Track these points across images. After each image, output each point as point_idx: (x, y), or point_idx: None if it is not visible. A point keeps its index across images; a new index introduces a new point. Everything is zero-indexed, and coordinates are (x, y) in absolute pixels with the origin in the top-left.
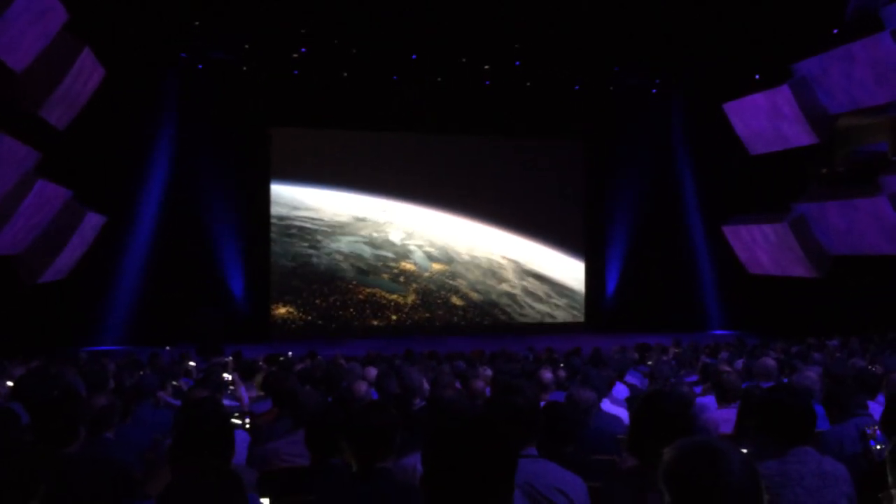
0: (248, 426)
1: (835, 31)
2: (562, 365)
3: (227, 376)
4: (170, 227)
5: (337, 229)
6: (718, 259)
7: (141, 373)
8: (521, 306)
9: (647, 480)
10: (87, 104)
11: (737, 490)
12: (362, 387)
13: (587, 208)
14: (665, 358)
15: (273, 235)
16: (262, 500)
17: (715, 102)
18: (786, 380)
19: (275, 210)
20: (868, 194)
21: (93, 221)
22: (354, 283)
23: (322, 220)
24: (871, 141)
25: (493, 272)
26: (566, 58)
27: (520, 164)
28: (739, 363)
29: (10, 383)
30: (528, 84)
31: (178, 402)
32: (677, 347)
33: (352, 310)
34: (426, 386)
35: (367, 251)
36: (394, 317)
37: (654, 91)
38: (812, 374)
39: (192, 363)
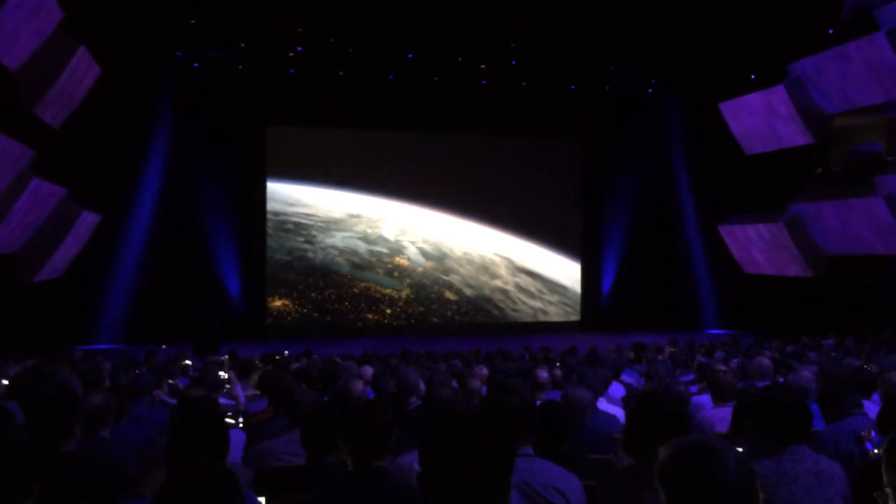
0: (241, 425)
1: (830, 31)
2: (558, 364)
3: (223, 375)
4: (165, 226)
5: (332, 225)
6: (714, 258)
7: (137, 371)
8: (514, 302)
9: (642, 479)
10: (82, 103)
11: (732, 488)
12: (358, 386)
13: (583, 208)
14: (661, 357)
15: (269, 230)
16: (258, 499)
17: (711, 102)
18: (781, 379)
19: (270, 206)
20: (863, 194)
21: (88, 220)
22: (349, 277)
23: (317, 216)
24: (867, 141)
25: (485, 268)
26: (562, 57)
27: (516, 164)
28: (735, 362)
29: (5, 382)
30: (525, 84)
31: (174, 401)
32: (673, 347)
33: (347, 303)
34: (422, 385)
35: (361, 246)
36: (388, 310)
37: (650, 91)
38: (807, 374)
39: (188, 362)
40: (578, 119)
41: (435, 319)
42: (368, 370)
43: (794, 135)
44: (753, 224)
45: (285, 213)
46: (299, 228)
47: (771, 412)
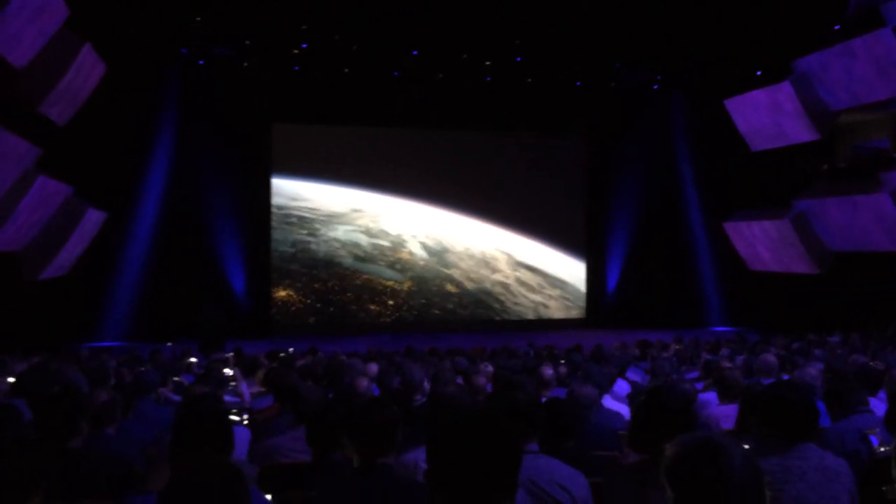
0: (246, 422)
1: (836, 27)
2: (563, 361)
3: (228, 372)
4: (170, 224)
5: (334, 219)
6: (719, 255)
7: (142, 369)
8: (514, 295)
9: (648, 476)
10: (87, 100)
11: (738, 485)
12: (363, 383)
13: (588, 204)
14: (666, 354)
15: (273, 223)
16: (265, 496)
17: (716, 99)
18: (786, 376)
19: (274, 200)
20: (869, 191)
21: (94, 218)
22: (351, 269)
23: (320, 209)
24: (873, 137)
25: (486, 262)
26: (567, 54)
27: (520, 161)
28: (740, 359)
29: (11, 379)
30: (530, 80)
31: (179, 398)
32: (678, 344)
33: (349, 294)
34: (427, 382)
35: (363, 240)
36: (390, 302)
37: (655, 87)
38: (813, 371)
39: (193, 359)
40: (583, 116)
41: (436, 311)
42: (373, 367)
43: (800, 131)
44: (759, 221)
45: (288, 207)
46: (302, 222)
47: (777, 409)
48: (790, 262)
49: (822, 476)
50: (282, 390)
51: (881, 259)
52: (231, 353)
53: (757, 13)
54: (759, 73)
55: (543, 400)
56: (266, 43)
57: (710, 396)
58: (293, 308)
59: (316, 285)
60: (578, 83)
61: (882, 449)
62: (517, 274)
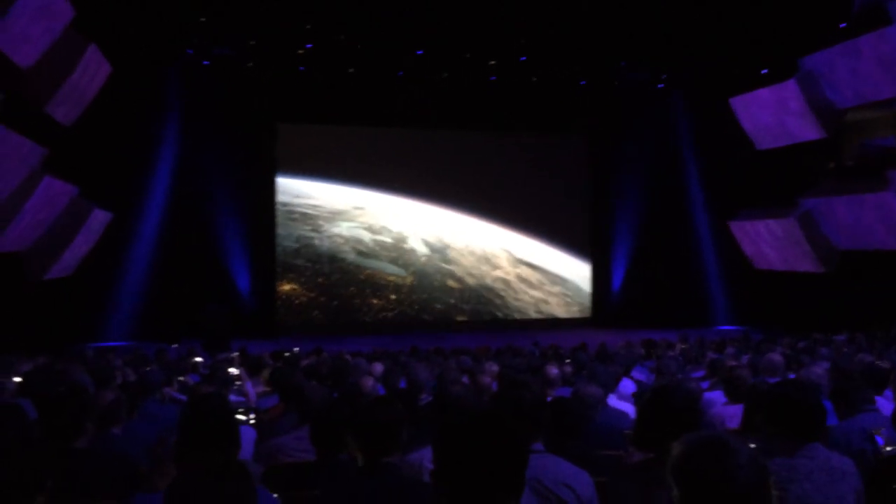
0: (252, 422)
1: (842, 25)
2: (568, 360)
3: (233, 371)
4: (175, 223)
5: (337, 216)
6: (724, 254)
7: (147, 368)
8: (515, 291)
9: (653, 475)
10: (93, 101)
11: (744, 484)
12: (368, 382)
13: (592, 204)
14: (671, 353)
15: (277, 219)
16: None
17: (721, 97)
18: (792, 375)
19: (278, 198)
20: (876, 189)
21: (99, 218)
22: (355, 264)
23: (323, 206)
24: (879, 135)
25: (487, 259)
26: (571, 53)
27: (524, 161)
28: (745, 359)
29: (17, 379)
30: (534, 80)
31: (184, 398)
32: (684, 343)
33: (352, 288)
34: (432, 382)
35: (366, 236)
36: (393, 296)
37: (659, 86)
38: (818, 370)
39: (198, 359)
40: (587, 115)
41: (438, 306)
42: (378, 367)
43: (806, 129)
44: (764, 220)
45: (292, 204)
46: (306, 218)
47: (783, 409)
48: (796, 261)
49: (828, 476)
50: (287, 390)
51: (888, 258)
52: (236, 353)
53: (762, 11)
54: (764, 71)
55: (549, 399)
56: (270, 43)
57: (716, 395)
58: (297, 301)
59: (320, 279)
60: (582, 82)
61: (888, 448)
62: (517, 271)
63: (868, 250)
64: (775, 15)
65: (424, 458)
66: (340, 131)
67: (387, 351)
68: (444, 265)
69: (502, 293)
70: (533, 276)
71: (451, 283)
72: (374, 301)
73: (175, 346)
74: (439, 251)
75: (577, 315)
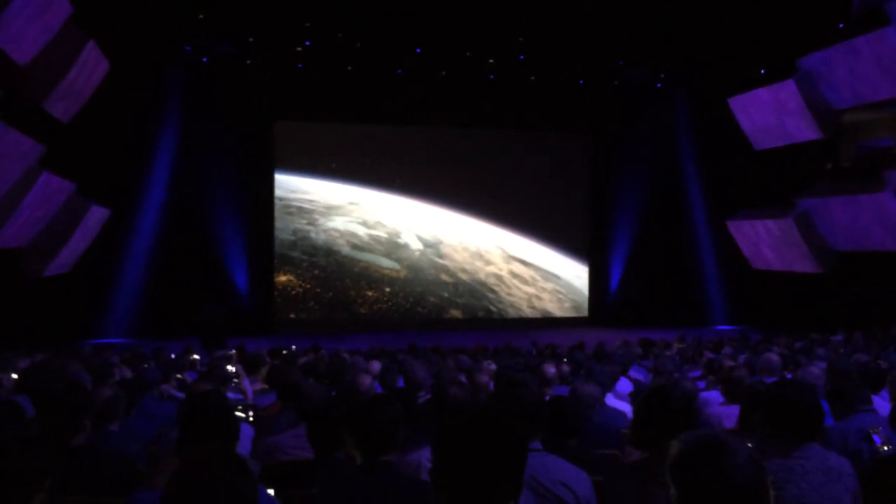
0: (251, 419)
1: (840, 25)
2: (565, 360)
3: (231, 369)
4: (173, 221)
5: (333, 210)
6: (722, 254)
7: (145, 366)
8: (507, 286)
9: (650, 474)
10: (91, 97)
11: (742, 483)
12: (366, 380)
13: (591, 203)
14: (669, 353)
15: (274, 212)
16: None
17: (720, 97)
18: (789, 375)
19: (275, 192)
20: (873, 190)
21: (97, 215)
22: (350, 256)
23: (319, 201)
24: (877, 136)
25: (480, 255)
26: (570, 52)
27: (523, 159)
28: (742, 358)
29: (14, 376)
30: (533, 78)
31: (182, 395)
32: (681, 343)
33: (347, 280)
34: (430, 380)
35: (361, 230)
36: (387, 289)
37: (658, 85)
38: (815, 370)
39: (196, 356)
40: (587, 114)
41: (432, 299)
42: (376, 365)
43: (804, 130)
44: (762, 220)
45: (288, 199)
46: (302, 212)
47: (780, 409)
48: (793, 261)
49: (824, 476)
50: (284, 388)
51: (884, 258)
52: (234, 351)
53: (761, 11)
54: (763, 71)
55: (546, 398)
56: (269, 41)
57: (713, 395)
58: (293, 293)
59: (315, 271)
60: (581, 81)
61: (885, 448)
62: (511, 267)
63: (865, 251)
64: (774, 15)
65: (423, 457)
66: (339, 129)
67: (384, 349)
68: (437, 260)
69: (495, 288)
70: (526, 272)
71: (444, 276)
72: (369, 293)
73: (172, 355)
74: (433, 246)
75: (574, 314)
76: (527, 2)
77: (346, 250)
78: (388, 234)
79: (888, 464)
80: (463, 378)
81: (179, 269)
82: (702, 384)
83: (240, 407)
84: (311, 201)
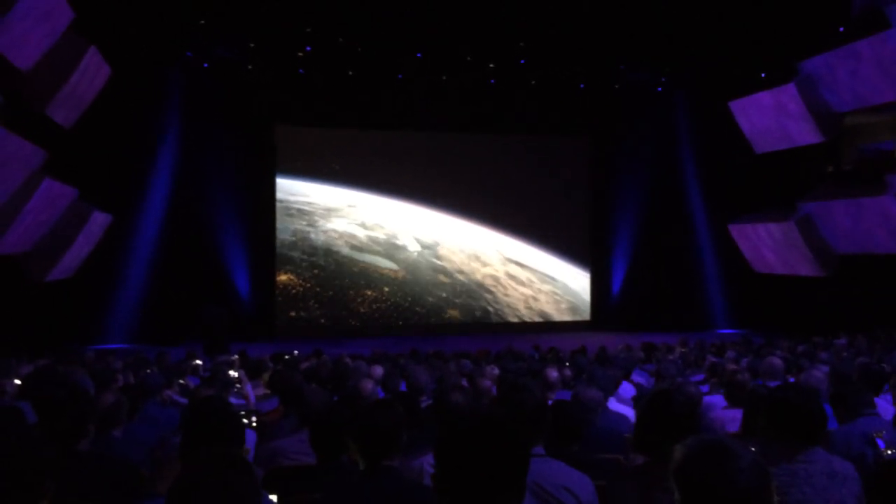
0: (254, 424)
1: (841, 28)
2: (567, 364)
3: (233, 374)
4: (175, 226)
5: (332, 213)
6: (724, 258)
7: (148, 371)
8: (504, 287)
9: (653, 479)
10: (93, 103)
11: (746, 488)
12: (368, 385)
13: (592, 206)
14: (671, 357)
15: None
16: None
17: (720, 101)
18: (792, 379)
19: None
20: (875, 193)
21: (99, 220)
22: (349, 257)
23: (318, 204)
24: (878, 139)
25: (477, 257)
26: (571, 56)
27: (524, 163)
28: (745, 362)
29: (17, 382)
30: (533, 82)
31: (184, 401)
32: (684, 346)
33: (347, 279)
34: (432, 385)
35: (360, 231)
36: (386, 288)
37: (659, 89)
38: (818, 374)
39: (198, 361)
40: (587, 117)
41: (430, 299)
42: (378, 370)
43: (805, 133)
44: (764, 223)
45: (288, 201)
46: (301, 214)
47: (783, 413)
48: (795, 264)
49: (828, 480)
50: (287, 393)
51: (887, 261)
52: (236, 356)
53: (761, 14)
54: (763, 74)
55: (549, 403)
56: (270, 45)
57: (716, 399)
58: (293, 291)
59: (315, 271)
60: (582, 85)
61: (889, 452)
62: (507, 269)
63: (867, 254)
64: (775, 18)
65: (425, 463)
66: (340, 133)
67: (386, 354)
68: (435, 261)
69: (492, 288)
70: (523, 274)
71: (441, 277)
72: (368, 292)
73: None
74: (430, 248)
75: (576, 317)
76: (527, 5)
77: (345, 251)
78: (386, 235)
79: (892, 467)
80: (465, 382)
81: (181, 273)
82: (705, 388)
83: (242, 412)
84: (310, 203)
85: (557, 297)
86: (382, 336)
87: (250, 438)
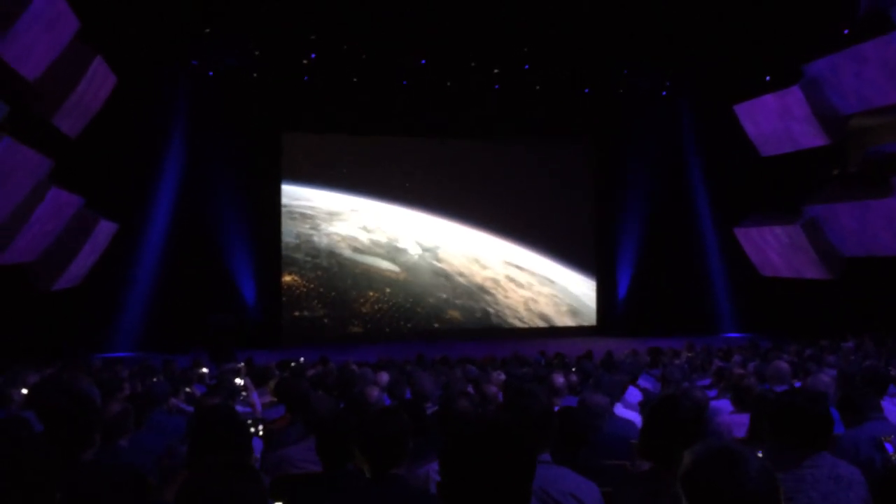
0: (261, 433)
1: (845, 31)
2: (573, 369)
3: (239, 382)
4: (181, 234)
5: (334, 216)
6: (730, 261)
7: (154, 380)
8: (504, 290)
9: (660, 485)
10: (99, 112)
11: (754, 494)
12: (374, 392)
13: (597, 211)
14: (677, 361)
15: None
16: None
17: (725, 104)
18: (799, 383)
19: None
20: (881, 195)
21: (105, 229)
22: (351, 259)
23: (320, 208)
24: (884, 141)
25: (477, 260)
26: (575, 61)
27: (529, 169)
28: (752, 366)
29: (24, 391)
30: (538, 88)
31: (191, 409)
32: (690, 351)
33: (349, 280)
34: (438, 391)
35: (362, 235)
36: (388, 289)
37: (664, 93)
38: (825, 378)
39: (204, 369)
40: (592, 122)
41: (431, 300)
42: (384, 376)
43: (810, 136)
44: (769, 226)
45: (291, 206)
46: (304, 217)
47: (790, 418)
48: (802, 267)
49: (834, 485)
50: (293, 400)
51: (893, 263)
52: (242, 363)
53: (766, 17)
54: (767, 77)
55: (556, 409)
56: (275, 53)
57: (723, 404)
58: (297, 291)
59: (318, 272)
60: (586, 90)
61: None
62: (507, 272)
63: (874, 256)
64: (779, 21)
65: (431, 470)
66: (345, 140)
67: (392, 360)
68: (435, 263)
69: (492, 290)
70: (521, 276)
71: (442, 279)
72: (370, 293)
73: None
74: (431, 251)
75: (581, 322)
76: (531, 11)
77: (347, 253)
78: (388, 239)
79: None
80: (471, 389)
81: (187, 281)
82: (712, 393)
83: (249, 421)
84: (312, 207)
85: (557, 300)
86: (386, 342)
87: (257, 446)
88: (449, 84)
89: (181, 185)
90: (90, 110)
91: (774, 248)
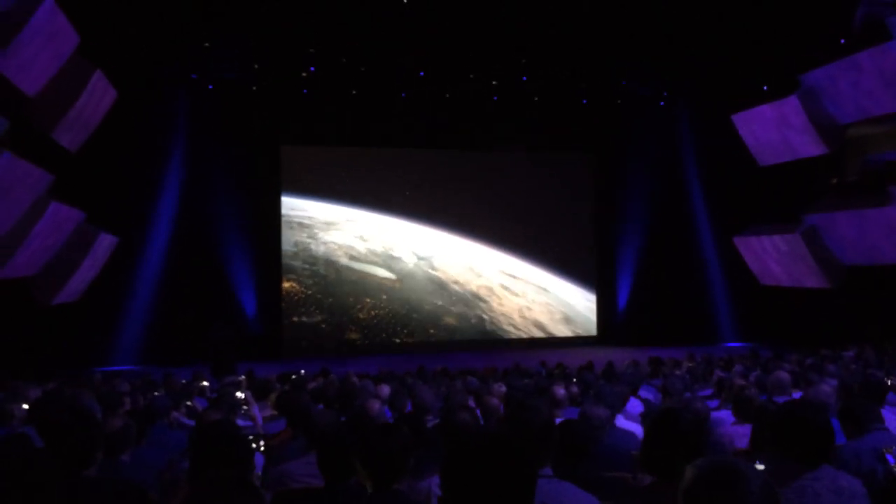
0: (262, 449)
1: (842, 40)
2: (574, 380)
3: (240, 395)
4: (181, 247)
5: (331, 226)
6: (730, 271)
7: (155, 393)
8: (499, 297)
9: (661, 498)
10: (99, 126)
11: None
12: (375, 405)
13: (596, 221)
14: (678, 372)
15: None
16: None
17: (723, 114)
18: (800, 393)
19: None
20: (879, 204)
21: (105, 243)
22: (348, 266)
23: (317, 218)
24: (882, 150)
25: (471, 269)
26: (573, 71)
27: (528, 179)
28: (753, 376)
29: (25, 406)
30: (536, 98)
31: (192, 423)
32: (691, 361)
33: (347, 287)
34: (439, 404)
35: (358, 243)
36: (384, 296)
37: (661, 103)
38: (826, 388)
39: (205, 383)
40: (590, 133)
41: (427, 307)
42: (385, 389)
43: (808, 145)
44: (769, 235)
45: (289, 216)
46: (302, 227)
47: (791, 430)
48: (802, 276)
49: (836, 497)
50: (294, 414)
51: (893, 272)
52: (243, 377)
53: (763, 28)
54: (765, 87)
55: (557, 421)
56: (274, 67)
57: (724, 415)
58: (296, 298)
59: (316, 279)
60: (585, 101)
61: None
62: (501, 281)
63: (873, 265)
64: (777, 31)
65: (433, 485)
66: (345, 152)
67: (393, 372)
68: (430, 271)
69: (487, 298)
70: (514, 284)
71: (437, 287)
72: (367, 300)
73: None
74: (426, 259)
75: (581, 333)
76: (529, 22)
77: (344, 261)
78: (384, 248)
79: None
80: (472, 401)
81: (188, 294)
82: (713, 403)
83: (251, 437)
84: (310, 217)
85: (551, 308)
86: (386, 353)
87: (259, 463)
88: (447, 95)
89: (181, 199)
90: (90, 125)
91: (774, 258)
